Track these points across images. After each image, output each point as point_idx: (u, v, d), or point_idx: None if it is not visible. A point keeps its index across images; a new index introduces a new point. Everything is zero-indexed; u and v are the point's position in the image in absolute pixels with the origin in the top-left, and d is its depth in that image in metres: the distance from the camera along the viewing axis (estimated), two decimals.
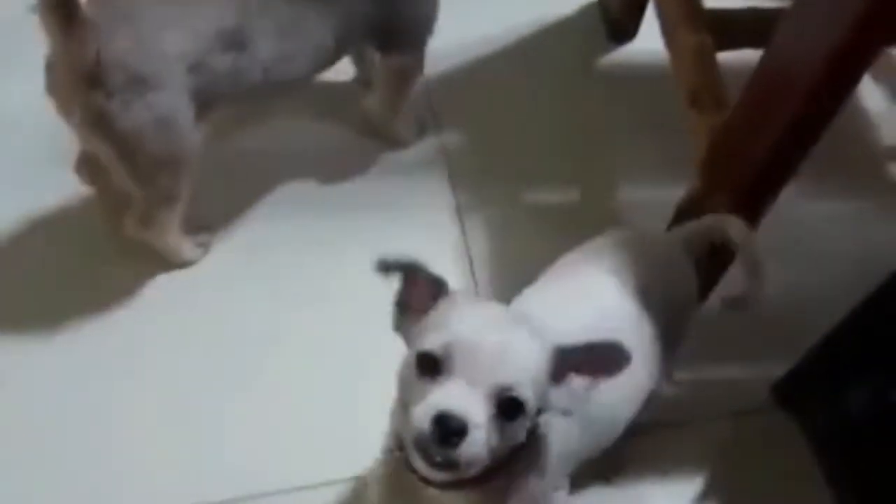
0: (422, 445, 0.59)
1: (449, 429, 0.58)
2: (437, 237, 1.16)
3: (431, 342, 0.60)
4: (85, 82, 0.84)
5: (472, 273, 1.14)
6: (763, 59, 0.84)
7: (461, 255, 1.15)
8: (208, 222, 1.13)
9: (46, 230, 1.12)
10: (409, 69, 1.13)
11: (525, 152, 1.26)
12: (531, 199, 1.22)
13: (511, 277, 1.12)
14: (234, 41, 0.89)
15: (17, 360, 1.03)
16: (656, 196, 1.14)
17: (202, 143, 0.97)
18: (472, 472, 0.64)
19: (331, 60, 1.04)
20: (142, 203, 0.99)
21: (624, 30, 1.35)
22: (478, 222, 1.18)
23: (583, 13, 1.40)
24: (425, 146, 1.24)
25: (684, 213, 1.04)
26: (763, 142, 0.83)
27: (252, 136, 1.21)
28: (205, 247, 1.12)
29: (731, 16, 1.09)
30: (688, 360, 1.08)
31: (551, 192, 1.24)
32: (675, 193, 1.05)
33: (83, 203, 1.11)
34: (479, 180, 1.22)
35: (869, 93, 1.34)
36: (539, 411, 0.64)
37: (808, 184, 1.17)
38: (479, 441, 0.59)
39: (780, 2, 0.96)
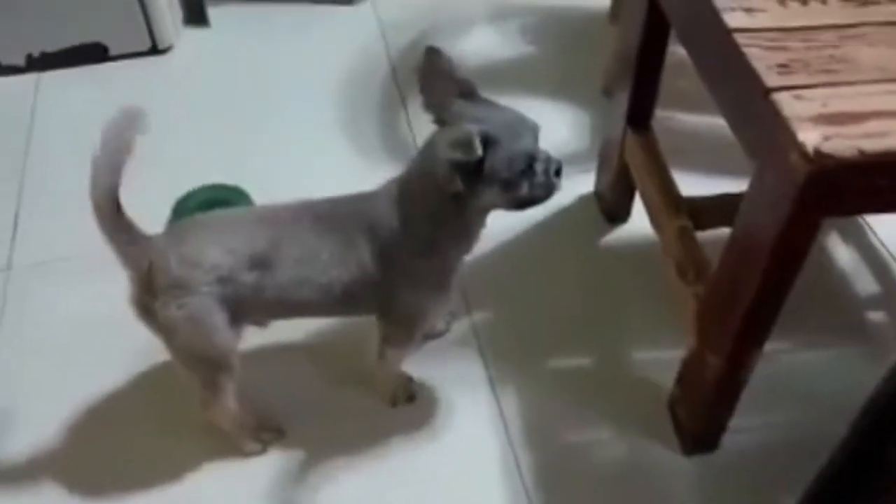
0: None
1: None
2: (474, 407, 1.31)
3: None
4: (140, 286, 1.05)
5: (509, 438, 1.27)
6: (731, 235, 1.01)
7: (497, 422, 1.29)
8: (278, 423, 1.27)
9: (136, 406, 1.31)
10: (394, 340, 1.20)
11: (546, 325, 1.42)
12: (554, 367, 1.37)
13: (545, 440, 1.28)
14: (261, 262, 1.06)
15: None
16: (665, 355, 1.30)
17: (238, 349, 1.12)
18: None
19: (344, 302, 1.12)
20: (196, 388, 1.16)
21: (618, 215, 1.55)
22: (510, 392, 1.32)
23: (582, 201, 1.61)
24: (458, 327, 1.41)
25: (687, 368, 1.20)
26: (739, 305, 0.99)
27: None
28: (264, 444, 1.25)
29: (705, 201, 1.29)
30: (704, 502, 1.21)
31: (572, 358, 1.39)
32: (679, 351, 1.21)
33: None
34: (507, 355, 1.38)
35: (841, 252, 1.53)
36: None
37: (799, 336, 1.34)
38: None
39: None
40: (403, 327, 1.18)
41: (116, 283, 1.07)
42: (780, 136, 0.83)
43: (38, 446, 1.27)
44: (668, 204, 1.26)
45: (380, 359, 1.23)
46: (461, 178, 0.99)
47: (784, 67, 0.89)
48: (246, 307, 1.09)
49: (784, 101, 0.85)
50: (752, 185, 0.95)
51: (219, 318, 1.07)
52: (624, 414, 1.30)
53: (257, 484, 1.23)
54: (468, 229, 1.10)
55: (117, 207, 1.02)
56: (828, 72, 0.89)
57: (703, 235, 1.24)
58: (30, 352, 1.39)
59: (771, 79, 0.87)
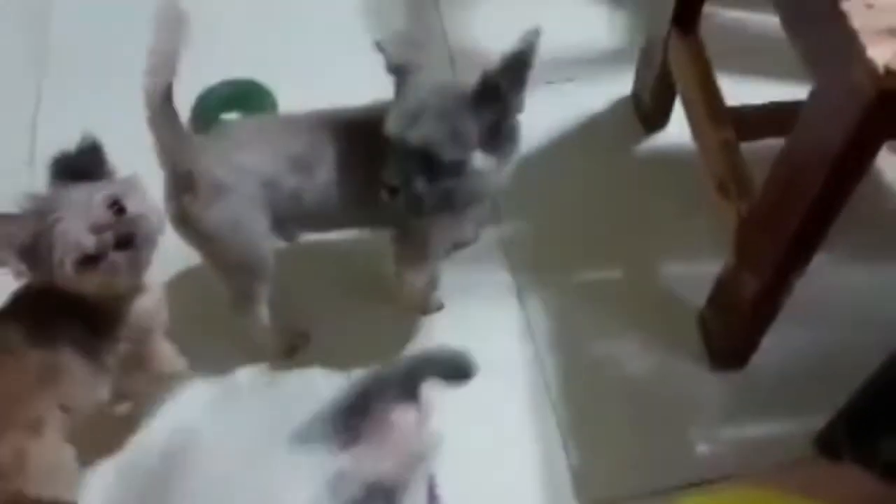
0: None
1: None
2: (502, 316, 1.30)
3: None
4: (178, 187, 1.03)
5: (535, 347, 1.27)
6: (782, 151, 0.95)
7: (524, 330, 1.29)
8: (304, 328, 1.27)
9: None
10: (407, 259, 1.18)
11: (575, 235, 1.39)
12: (582, 278, 1.35)
13: (571, 350, 1.27)
14: (301, 165, 1.05)
15: None
16: (696, 270, 1.27)
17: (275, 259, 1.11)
18: None
19: (372, 210, 1.07)
20: (228, 294, 1.15)
21: (656, 121, 1.48)
22: (537, 301, 1.31)
23: (616, 106, 1.54)
24: (487, 236, 1.38)
25: (723, 286, 1.17)
26: (786, 224, 0.95)
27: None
28: (294, 349, 1.25)
29: (751, 111, 1.23)
30: (730, 418, 1.21)
31: (601, 270, 1.36)
32: (712, 267, 1.18)
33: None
34: (535, 264, 1.35)
35: (889, 164, 1.44)
36: None
37: (839, 252, 1.28)
38: None
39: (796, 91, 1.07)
40: (414, 246, 1.15)
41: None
42: (846, 50, 0.77)
43: None
44: (712, 115, 1.20)
45: (397, 278, 1.21)
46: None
47: None
48: (284, 214, 1.07)
49: (855, 10, 0.78)
50: (810, 101, 0.89)
51: (260, 224, 1.06)
52: (652, 327, 1.28)
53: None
54: None
55: (169, 97, 0.97)
56: None
57: (745, 146, 1.19)
58: None
59: None
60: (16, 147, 1.50)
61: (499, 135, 0.98)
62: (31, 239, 0.91)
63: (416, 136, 0.94)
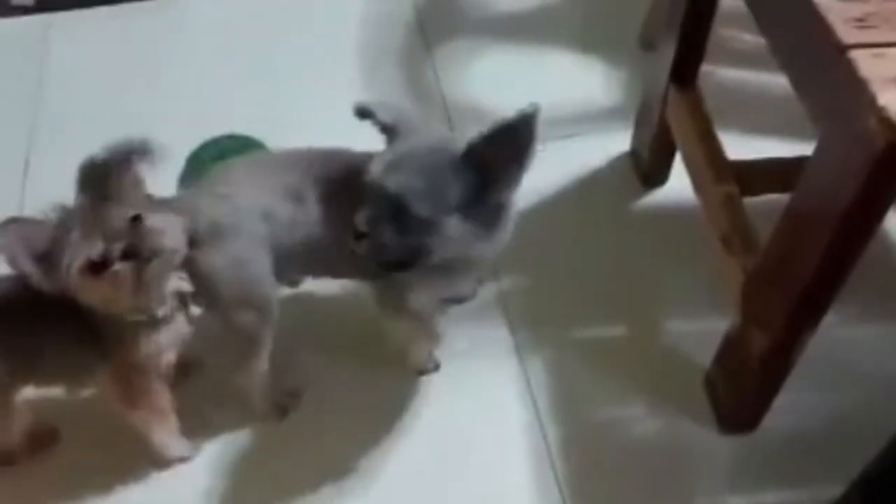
0: None
1: None
2: (501, 375, 1.26)
3: None
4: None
5: (536, 410, 1.22)
6: (788, 206, 0.93)
7: (524, 389, 1.24)
8: (295, 385, 1.24)
9: None
10: (387, 307, 1.15)
11: (576, 293, 1.36)
12: (584, 336, 1.31)
13: (573, 412, 1.23)
14: (294, 195, 1.04)
15: None
16: (700, 328, 1.24)
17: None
18: None
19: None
20: (230, 350, 1.12)
21: (655, 177, 1.47)
22: (537, 359, 1.27)
23: (616, 162, 1.53)
24: (485, 293, 1.34)
25: (730, 344, 1.13)
26: (794, 282, 0.92)
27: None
28: (284, 411, 1.21)
29: (752, 166, 1.21)
30: (739, 484, 1.15)
31: (602, 329, 1.33)
32: (717, 325, 1.14)
33: None
34: (535, 321, 1.32)
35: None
36: None
37: (851, 309, 1.24)
38: None
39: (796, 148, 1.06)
40: (393, 295, 1.11)
41: None
42: (855, 100, 0.75)
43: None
44: (714, 169, 1.18)
45: (383, 327, 1.18)
46: None
47: (861, 22, 0.81)
48: (283, 247, 1.05)
49: (862, 59, 0.77)
50: (816, 154, 0.87)
51: (263, 261, 1.04)
52: (656, 387, 1.24)
53: (269, 451, 1.19)
54: None
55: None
56: None
57: (747, 201, 1.16)
58: None
59: (847, 34, 0.79)
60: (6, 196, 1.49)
61: (483, 205, 0.93)
62: (49, 245, 0.89)
63: (393, 182, 0.90)
